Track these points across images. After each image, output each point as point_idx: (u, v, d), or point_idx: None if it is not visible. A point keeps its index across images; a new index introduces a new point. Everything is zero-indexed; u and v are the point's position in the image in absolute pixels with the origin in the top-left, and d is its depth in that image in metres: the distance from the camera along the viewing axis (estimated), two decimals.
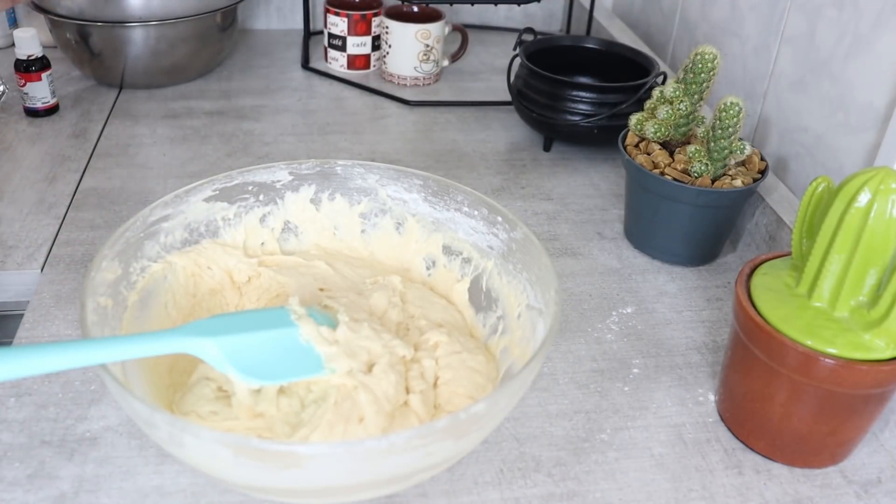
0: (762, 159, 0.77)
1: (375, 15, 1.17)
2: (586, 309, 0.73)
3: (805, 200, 0.57)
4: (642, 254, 0.81)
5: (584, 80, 1.03)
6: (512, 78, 1.01)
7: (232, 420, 0.52)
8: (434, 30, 1.13)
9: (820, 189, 0.56)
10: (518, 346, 0.57)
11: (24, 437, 0.57)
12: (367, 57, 1.19)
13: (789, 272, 0.58)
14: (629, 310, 0.73)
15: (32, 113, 1.01)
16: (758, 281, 0.58)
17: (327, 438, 0.49)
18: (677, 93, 0.76)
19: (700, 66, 0.74)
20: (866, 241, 0.51)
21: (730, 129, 0.71)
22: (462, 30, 1.19)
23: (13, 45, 0.98)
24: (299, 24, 1.33)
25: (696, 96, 0.76)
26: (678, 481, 0.57)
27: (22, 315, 0.69)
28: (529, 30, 1.03)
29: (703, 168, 0.74)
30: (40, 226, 0.80)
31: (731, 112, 0.71)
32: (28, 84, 0.99)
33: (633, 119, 0.80)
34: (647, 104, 0.80)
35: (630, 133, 0.81)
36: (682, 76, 0.76)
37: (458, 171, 0.94)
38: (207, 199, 0.62)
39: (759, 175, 0.75)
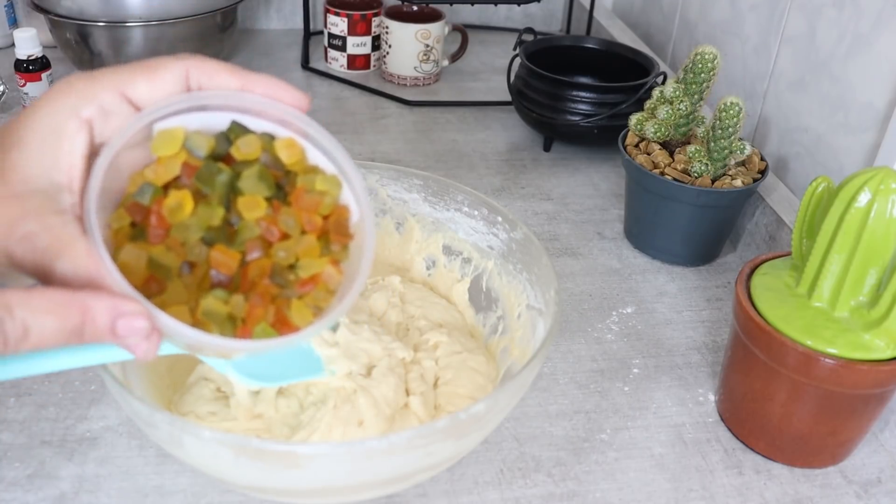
0: (762, 159, 0.77)
1: (375, 15, 1.17)
2: (586, 309, 0.73)
3: (805, 200, 0.57)
4: (642, 254, 0.81)
5: (584, 80, 1.03)
6: (512, 78, 1.01)
7: (230, 421, 0.52)
8: (434, 30, 1.13)
9: (820, 189, 0.56)
10: (518, 346, 0.57)
11: (24, 437, 0.57)
12: (367, 57, 1.19)
13: (789, 272, 0.58)
14: (629, 310, 0.73)
15: None
16: (758, 281, 0.58)
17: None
18: (677, 93, 0.76)
19: (700, 66, 0.74)
20: (866, 241, 0.51)
21: (730, 129, 0.71)
22: (462, 30, 1.19)
23: (13, 45, 0.98)
24: (299, 24, 1.33)
25: (696, 96, 0.76)
26: (678, 481, 0.57)
27: None
28: (529, 30, 1.03)
29: (703, 168, 0.74)
30: None
31: (731, 112, 0.71)
32: (28, 84, 0.99)
33: (633, 119, 0.80)
34: (647, 104, 0.80)
35: (630, 133, 0.81)
36: (682, 76, 0.76)
37: (458, 171, 0.94)
38: None
39: (759, 175, 0.75)
